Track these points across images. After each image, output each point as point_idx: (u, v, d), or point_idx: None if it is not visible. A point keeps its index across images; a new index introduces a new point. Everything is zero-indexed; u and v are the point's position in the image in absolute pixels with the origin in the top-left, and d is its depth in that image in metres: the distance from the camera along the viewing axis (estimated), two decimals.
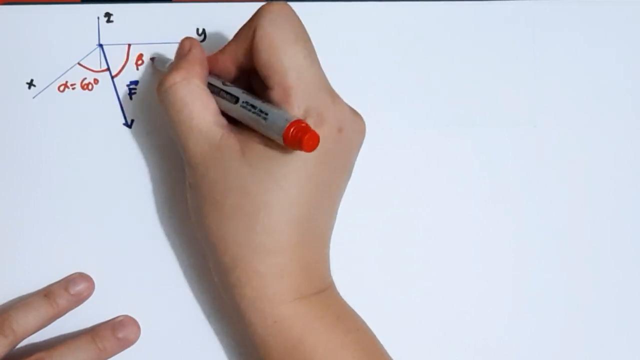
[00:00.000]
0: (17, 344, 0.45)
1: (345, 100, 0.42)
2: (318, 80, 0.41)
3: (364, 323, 0.43)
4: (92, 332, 0.46)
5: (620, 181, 0.49)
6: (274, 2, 0.41)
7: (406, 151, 0.48)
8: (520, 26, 0.49)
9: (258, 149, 0.40)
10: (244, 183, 0.40)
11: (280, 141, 0.39)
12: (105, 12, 0.48)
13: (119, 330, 0.46)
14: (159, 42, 0.48)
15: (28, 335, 0.45)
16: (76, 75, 0.47)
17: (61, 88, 0.47)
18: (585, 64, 0.50)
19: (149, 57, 0.48)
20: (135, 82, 0.48)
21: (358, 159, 0.43)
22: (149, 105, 0.48)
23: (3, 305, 0.47)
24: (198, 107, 0.41)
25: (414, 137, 0.48)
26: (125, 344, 0.46)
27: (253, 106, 0.40)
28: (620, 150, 0.49)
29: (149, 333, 0.47)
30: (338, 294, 0.44)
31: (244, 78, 0.44)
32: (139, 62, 0.48)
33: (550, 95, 0.49)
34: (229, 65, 0.43)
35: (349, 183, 0.43)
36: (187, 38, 0.45)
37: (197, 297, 0.47)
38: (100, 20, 0.48)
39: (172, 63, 0.45)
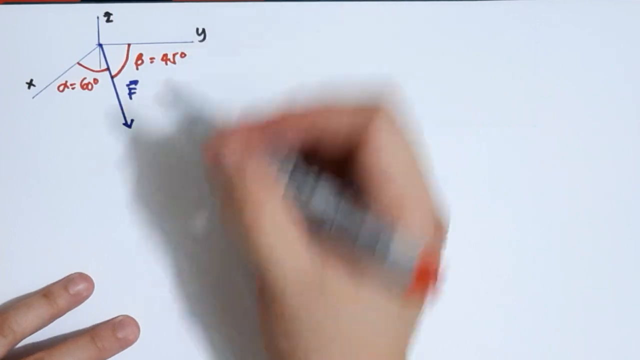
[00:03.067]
0: (16, 344, 0.45)
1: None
2: (433, 192, 0.36)
3: None
4: (91, 332, 0.46)
5: (620, 181, 0.49)
6: (390, 110, 0.36)
7: None
8: (521, 25, 0.49)
9: (373, 284, 0.34)
10: (355, 325, 0.35)
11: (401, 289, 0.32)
12: (104, 11, 0.48)
13: (119, 330, 0.46)
14: (159, 42, 0.48)
15: (27, 335, 0.45)
16: (76, 75, 0.47)
17: (61, 88, 0.47)
18: (585, 63, 0.49)
19: (188, 124, 0.46)
20: (135, 82, 0.48)
21: None
22: (148, 105, 0.47)
23: (2, 305, 0.47)
24: (288, 245, 0.35)
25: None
26: (125, 343, 0.46)
27: (372, 241, 0.33)
28: (621, 150, 0.49)
29: (148, 333, 0.47)
30: None
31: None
32: (139, 62, 0.48)
33: (550, 94, 0.49)
34: (289, 139, 0.36)
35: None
36: (225, 138, 0.36)
37: (197, 297, 0.47)
38: (99, 20, 0.48)
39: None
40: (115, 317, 0.47)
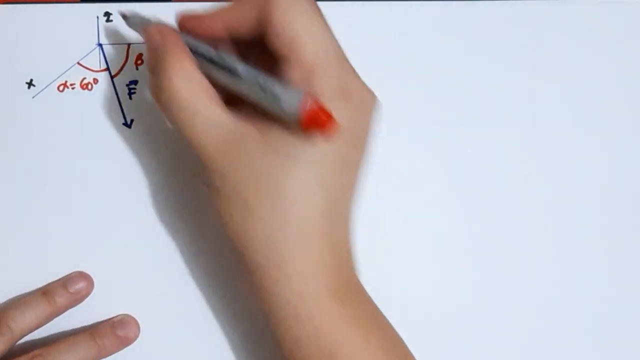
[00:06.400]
0: (15, 342, 0.45)
1: None
2: (343, 58, 0.38)
3: (390, 324, 0.41)
4: (91, 330, 0.46)
5: (620, 182, 0.49)
6: None
7: (405, 151, 0.48)
8: (520, 26, 0.49)
9: (278, 133, 0.37)
10: (271, 174, 0.37)
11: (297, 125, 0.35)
12: (104, 11, 0.48)
13: (119, 329, 0.46)
14: None
15: (26, 334, 0.45)
16: (76, 75, 0.47)
17: (61, 88, 0.47)
18: (585, 63, 0.50)
19: (118, 12, 0.46)
20: (135, 82, 0.48)
21: None
22: (148, 105, 0.48)
23: (1, 303, 0.47)
24: (204, 101, 0.38)
25: (412, 137, 0.48)
26: (125, 342, 0.46)
27: (262, 88, 0.36)
28: (620, 150, 0.49)
29: (148, 332, 0.47)
30: (365, 290, 0.41)
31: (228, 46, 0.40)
32: (139, 61, 0.48)
33: (550, 95, 0.49)
34: (219, 31, 0.39)
35: None
36: (152, 26, 0.41)
37: (197, 297, 0.47)
38: (99, 20, 0.48)
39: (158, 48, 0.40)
40: (115, 316, 0.47)
